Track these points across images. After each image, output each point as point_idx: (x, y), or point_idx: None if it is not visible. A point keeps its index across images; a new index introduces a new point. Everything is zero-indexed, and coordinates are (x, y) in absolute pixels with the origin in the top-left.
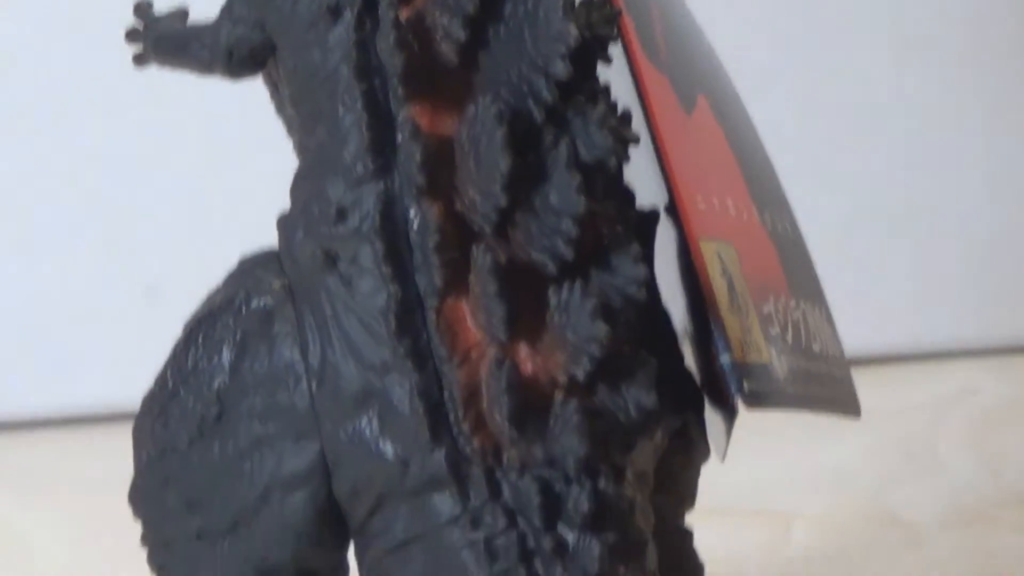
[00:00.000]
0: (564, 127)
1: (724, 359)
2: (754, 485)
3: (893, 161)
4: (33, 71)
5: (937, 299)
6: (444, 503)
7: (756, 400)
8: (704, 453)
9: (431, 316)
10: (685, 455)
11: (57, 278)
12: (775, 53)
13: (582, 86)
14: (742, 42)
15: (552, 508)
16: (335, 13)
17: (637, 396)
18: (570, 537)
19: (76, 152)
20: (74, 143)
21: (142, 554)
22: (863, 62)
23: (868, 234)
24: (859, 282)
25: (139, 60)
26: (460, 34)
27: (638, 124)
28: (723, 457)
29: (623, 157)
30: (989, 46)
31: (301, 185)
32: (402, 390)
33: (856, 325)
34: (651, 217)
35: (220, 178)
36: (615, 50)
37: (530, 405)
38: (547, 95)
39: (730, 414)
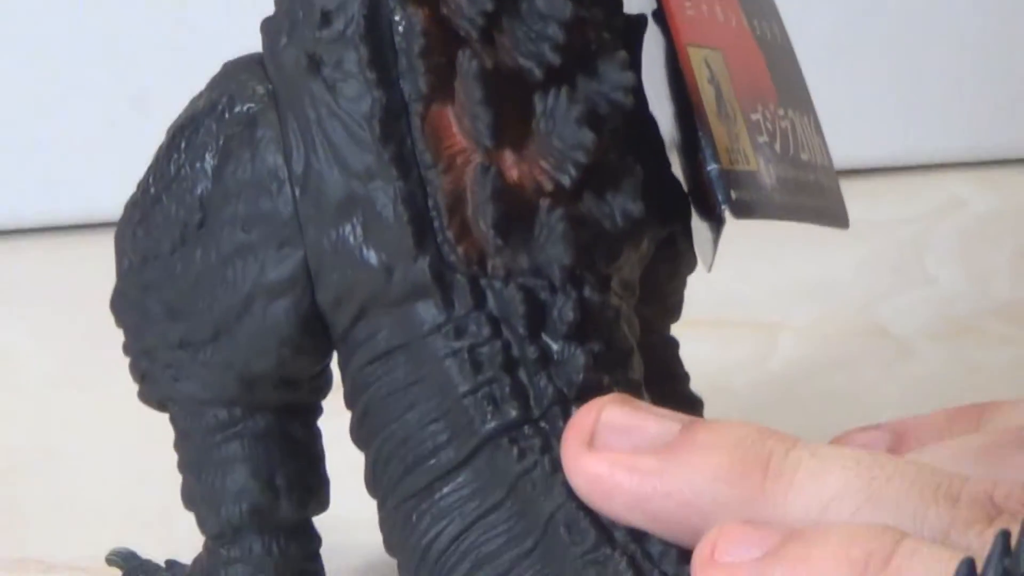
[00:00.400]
0: None
1: (711, 167)
2: (741, 296)
3: None
4: None
5: (925, 110)
6: (428, 311)
7: (743, 209)
8: (690, 263)
9: (416, 122)
10: (671, 265)
11: (41, 87)
12: None
13: None
14: None
15: (537, 317)
16: None
17: (623, 204)
18: (555, 346)
19: None
20: None
21: (125, 362)
22: None
23: (856, 44)
24: (847, 93)
25: None
26: None
27: None
28: (710, 267)
29: None
30: None
31: None
32: (386, 197)
33: (844, 136)
34: (638, 23)
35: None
36: None
37: (515, 212)
38: None
39: (717, 223)
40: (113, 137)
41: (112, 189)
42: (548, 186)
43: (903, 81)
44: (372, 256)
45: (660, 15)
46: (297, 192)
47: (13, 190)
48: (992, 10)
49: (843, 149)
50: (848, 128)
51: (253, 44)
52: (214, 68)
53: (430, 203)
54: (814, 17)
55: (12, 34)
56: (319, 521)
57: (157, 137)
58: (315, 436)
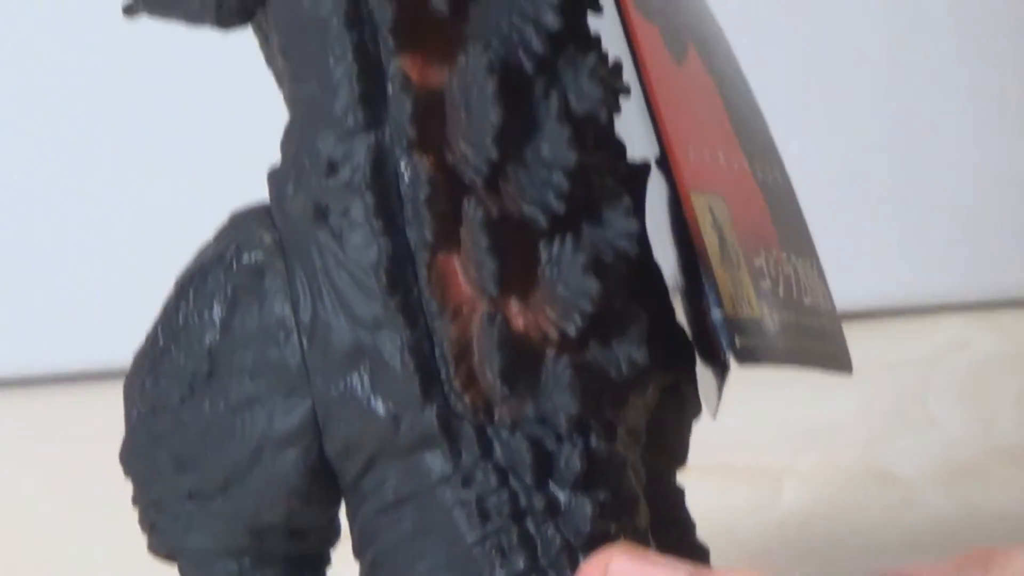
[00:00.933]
0: (555, 78)
1: (715, 314)
2: (745, 441)
3: (884, 112)
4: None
5: (927, 253)
6: (435, 461)
7: (747, 356)
8: (696, 409)
9: (422, 271)
10: (677, 411)
11: (50, 235)
12: (769, 6)
13: (573, 36)
14: None
15: (544, 466)
16: None
17: (629, 352)
18: (562, 496)
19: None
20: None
21: (134, 514)
22: (854, 20)
23: (859, 186)
24: (849, 236)
25: (129, 11)
26: None
27: (629, 75)
28: (715, 413)
29: (614, 109)
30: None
31: (291, 137)
32: (393, 346)
33: (847, 279)
34: (642, 170)
35: (210, 131)
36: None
37: (521, 361)
38: (537, 46)
39: (721, 370)
40: (121, 286)
41: (121, 339)
42: (554, 335)
43: (904, 223)
44: (379, 406)
45: (663, 161)
46: (304, 341)
47: (23, 339)
48: (994, 153)
49: (845, 292)
50: (850, 271)
51: (260, 193)
52: (217, 214)
53: (437, 352)
54: (815, 160)
55: (21, 181)
56: None
57: (166, 286)
58: None
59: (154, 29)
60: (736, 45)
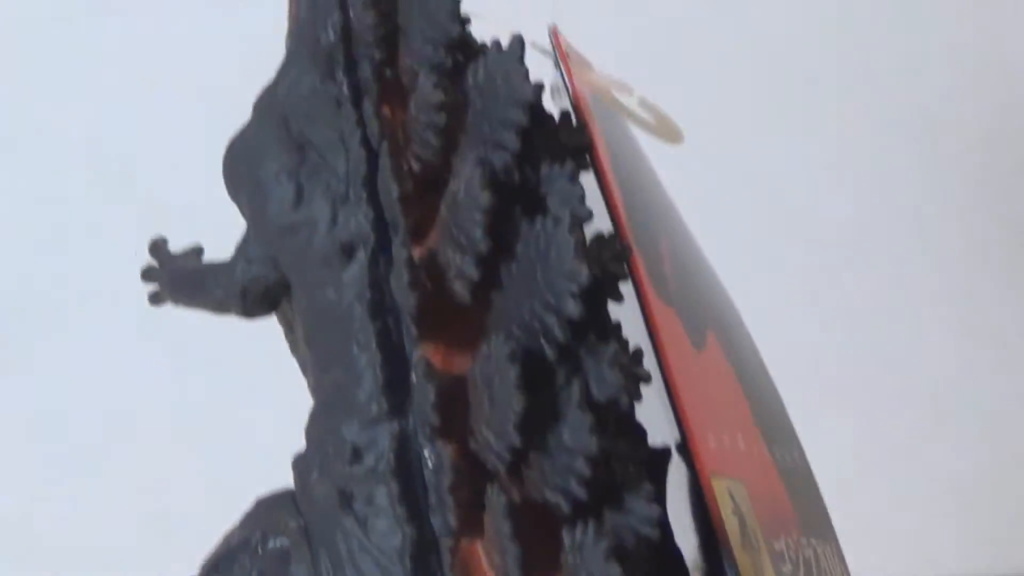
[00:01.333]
0: (576, 366)
1: None
2: None
3: (896, 396)
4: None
5: (941, 531)
6: None
7: None
8: None
9: (446, 557)
10: None
11: (62, 506)
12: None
13: (593, 324)
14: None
15: None
16: (349, 252)
17: None
18: None
19: None
20: None
21: None
22: (877, 289)
23: (874, 468)
24: (868, 517)
25: (155, 299)
26: (473, 273)
27: (649, 362)
28: None
29: (635, 396)
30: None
31: (316, 425)
32: None
33: (864, 558)
34: (663, 455)
35: (234, 416)
36: (625, 287)
37: None
38: (559, 334)
39: None
40: (138, 561)
41: None
42: None
43: (920, 503)
44: None
45: (684, 446)
46: None
47: None
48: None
49: (865, 570)
50: (869, 552)
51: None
52: (242, 495)
53: None
54: (831, 436)
55: (41, 448)
56: None
57: (184, 561)
58: None
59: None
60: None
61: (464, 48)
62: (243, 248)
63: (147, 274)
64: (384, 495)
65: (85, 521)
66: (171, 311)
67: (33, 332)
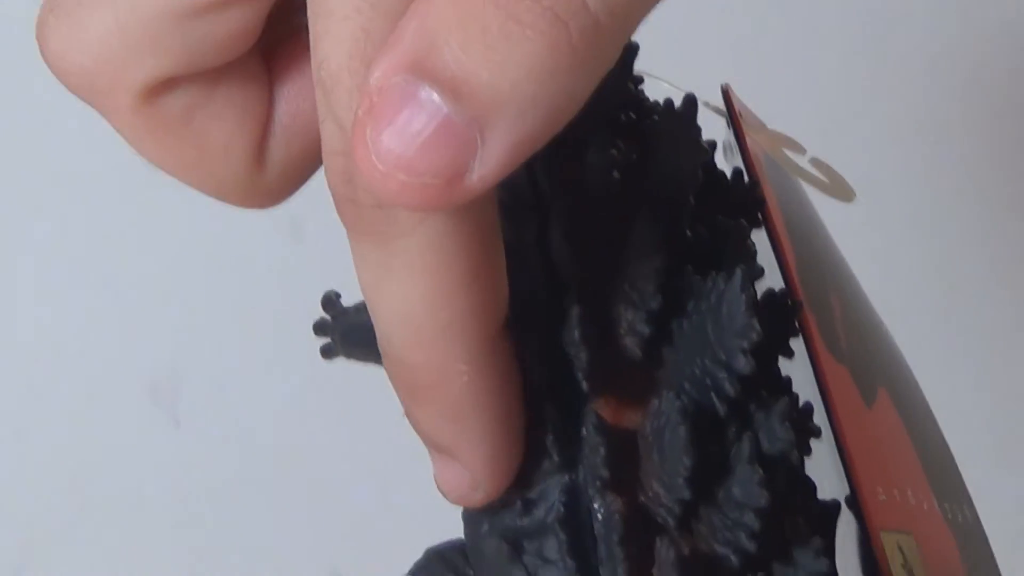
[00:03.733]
0: (746, 421)
1: None
2: None
3: None
4: None
5: None
6: None
7: None
8: None
9: None
10: None
11: (243, 568)
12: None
13: (764, 379)
14: None
15: None
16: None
17: None
18: None
19: None
20: None
21: None
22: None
23: None
24: None
25: (327, 353)
26: (644, 329)
27: (819, 416)
28: None
29: (804, 450)
30: None
31: None
32: None
33: None
34: (832, 509)
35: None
36: (796, 343)
37: None
38: (730, 389)
39: None
40: None
41: None
42: None
43: None
44: None
45: (853, 501)
46: None
47: None
48: None
49: None
50: None
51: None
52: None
53: None
54: (1002, 492)
55: (209, 520)
56: None
57: None
58: None
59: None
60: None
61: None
62: None
63: (319, 328)
64: (554, 546)
65: None
66: None
67: None
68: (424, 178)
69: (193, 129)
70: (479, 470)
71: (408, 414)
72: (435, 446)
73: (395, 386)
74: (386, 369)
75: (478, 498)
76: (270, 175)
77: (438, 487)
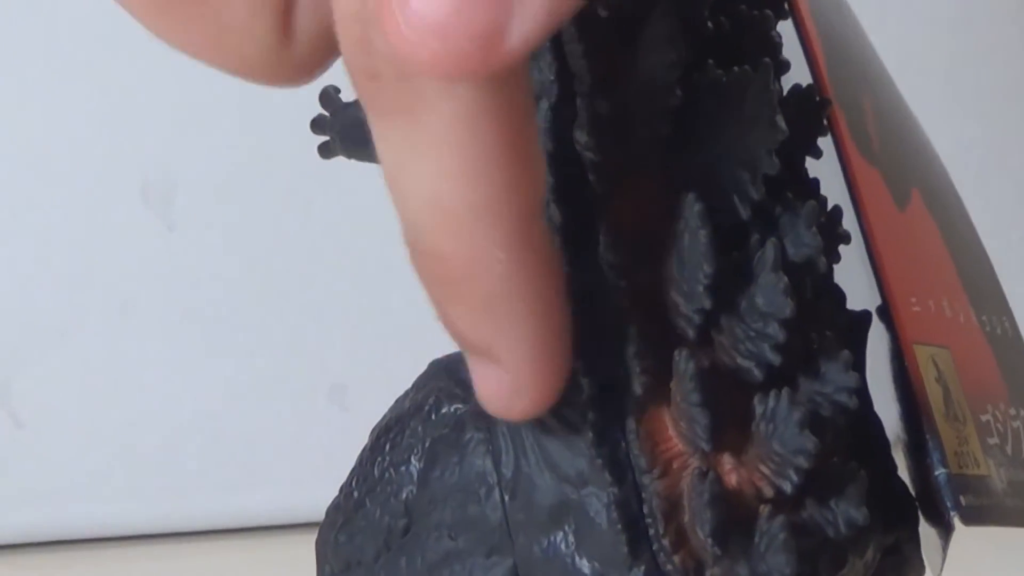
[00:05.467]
0: (771, 225)
1: (939, 472)
2: None
3: None
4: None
5: None
6: None
7: (973, 516)
8: (918, 570)
9: (631, 425)
10: (897, 572)
11: (238, 380)
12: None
13: (790, 181)
14: None
15: None
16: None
17: (847, 511)
18: None
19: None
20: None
21: None
22: None
23: None
24: None
25: (325, 152)
26: (662, 127)
27: (848, 221)
28: (938, 574)
29: (833, 257)
30: None
31: None
32: (599, 503)
33: None
34: (862, 320)
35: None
36: (824, 143)
37: (734, 520)
38: (753, 191)
39: (946, 530)
40: (309, 434)
41: (312, 488)
42: (768, 492)
43: None
44: (585, 565)
45: (885, 312)
46: (506, 497)
47: (207, 488)
48: None
49: None
50: None
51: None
52: (413, 366)
53: (645, 510)
54: None
55: (228, 341)
56: None
57: (356, 433)
58: None
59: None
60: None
61: None
62: None
63: (317, 125)
64: None
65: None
66: None
67: None
68: (459, 43)
69: (211, 2)
70: (522, 372)
71: (441, 314)
72: (473, 348)
73: (425, 284)
74: (414, 266)
75: (522, 406)
76: (299, 48)
77: (479, 397)
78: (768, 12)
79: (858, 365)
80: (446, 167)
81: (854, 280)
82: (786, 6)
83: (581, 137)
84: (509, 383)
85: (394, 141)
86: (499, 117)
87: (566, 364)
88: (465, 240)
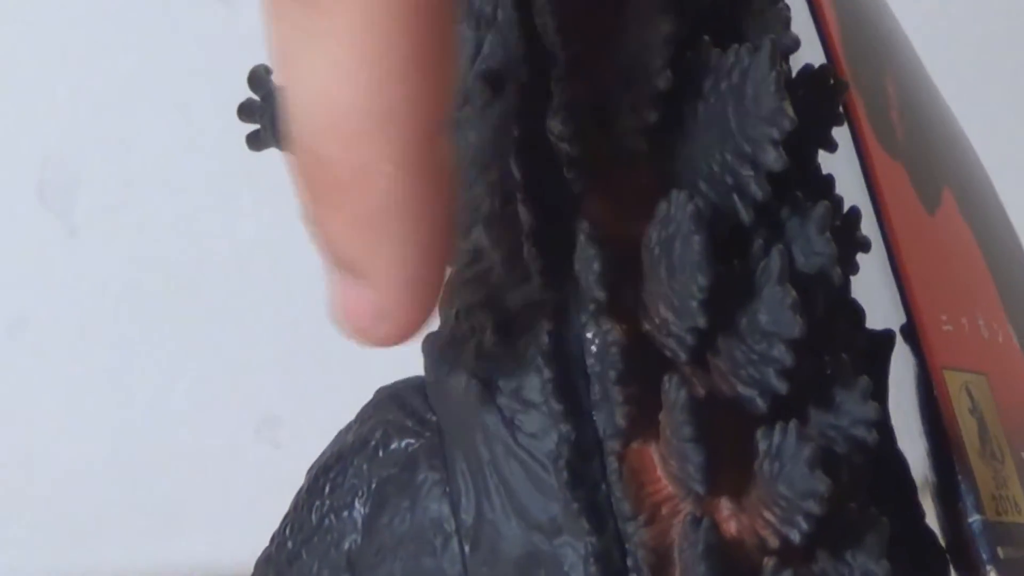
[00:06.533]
0: (777, 230)
1: (973, 519)
2: None
3: None
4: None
5: None
6: None
7: (1013, 570)
8: None
9: (612, 463)
10: None
11: (150, 409)
12: None
13: (799, 179)
14: None
15: None
16: (497, 86)
17: (866, 565)
18: None
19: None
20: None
21: None
22: None
23: None
24: None
25: (255, 142)
26: (649, 114)
27: (868, 225)
28: None
29: (850, 268)
30: None
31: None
32: (576, 555)
33: None
34: (884, 341)
35: None
36: (840, 133)
37: (733, 574)
38: (756, 190)
39: None
40: (234, 473)
41: (237, 536)
42: (773, 542)
43: None
44: None
45: (910, 332)
46: (467, 548)
47: (124, 536)
48: None
49: None
50: None
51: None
52: (357, 395)
53: (629, 562)
54: None
55: (137, 363)
56: None
57: (290, 472)
58: None
59: None
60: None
61: None
62: None
63: (245, 111)
64: (536, 386)
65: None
66: None
67: None
68: None
69: None
70: (390, 293)
71: (312, 219)
72: (339, 260)
73: (300, 182)
74: (291, 160)
75: (382, 332)
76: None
77: (332, 314)
78: None
79: (879, 394)
80: (345, 62)
81: (874, 295)
82: None
83: (555, 126)
84: (373, 303)
85: (290, 21)
86: (416, 18)
87: (436, 293)
88: (354, 148)
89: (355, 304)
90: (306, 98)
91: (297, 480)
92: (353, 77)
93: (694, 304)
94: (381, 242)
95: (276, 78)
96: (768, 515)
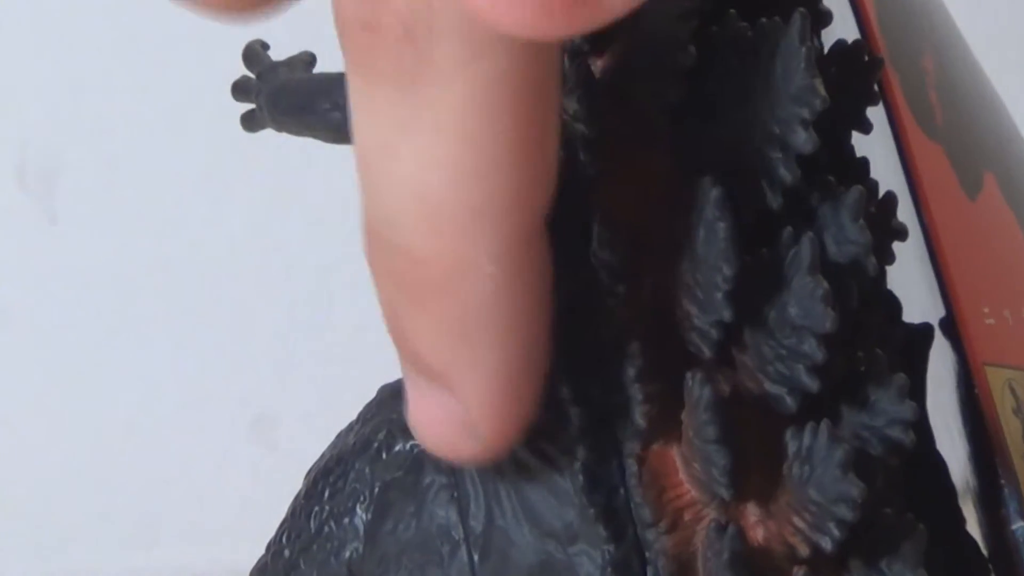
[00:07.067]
0: (808, 216)
1: (1018, 526)
2: None
3: None
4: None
5: None
6: None
7: None
8: None
9: (631, 467)
10: None
11: (137, 408)
12: None
13: (832, 162)
14: None
15: None
16: None
17: (901, 574)
18: None
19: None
20: None
21: None
22: None
23: None
24: None
25: (249, 123)
26: (670, 92)
27: (905, 212)
28: None
29: (886, 257)
30: None
31: None
32: (592, 564)
33: None
34: (922, 336)
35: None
36: (875, 114)
37: None
38: (785, 173)
39: None
40: (227, 477)
41: (230, 544)
42: (803, 550)
43: None
44: None
45: (950, 325)
46: (476, 556)
47: (105, 543)
48: None
49: None
50: None
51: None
52: (359, 394)
53: (649, 572)
54: None
55: (123, 359)
56: None
57: (287, 476)
58: None
59: None
60: None
61: None
62: None
63: (239, 89)
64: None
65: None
66: None
67: None
68: None
69: None
70: (481, 408)
71: (396, 323)
72: (426, 368)
73: (385, 285)
74: (374, 261)
75: (472, 448)
76: None
77: (414, 427)
78: None
79: (916, 392)
80: (446, 155)
81: (912, 286)
82: None
83: (570, 105)
84: (460, 417)
85: (381, 113)
86: (524, 101)
87: (533, 407)
88: (453, 244)
89: (439, 416)
90: (399, 193)
91: (295, 484)
92: (454, 170)
93: (719, 296)
94: (474, 349)
95: (360, 175)
96: (798, 521)
